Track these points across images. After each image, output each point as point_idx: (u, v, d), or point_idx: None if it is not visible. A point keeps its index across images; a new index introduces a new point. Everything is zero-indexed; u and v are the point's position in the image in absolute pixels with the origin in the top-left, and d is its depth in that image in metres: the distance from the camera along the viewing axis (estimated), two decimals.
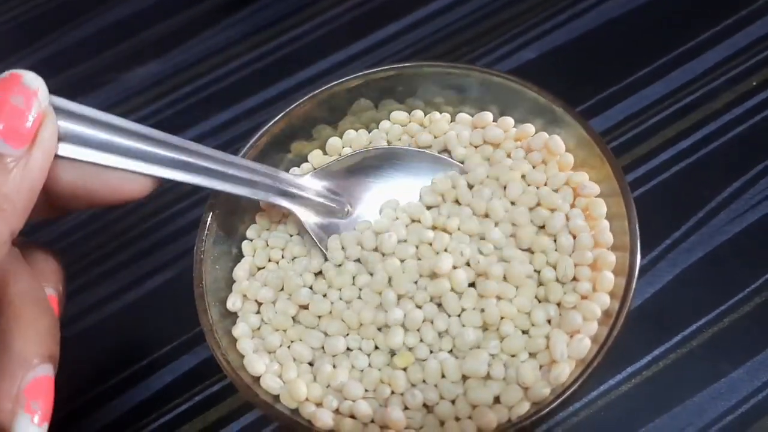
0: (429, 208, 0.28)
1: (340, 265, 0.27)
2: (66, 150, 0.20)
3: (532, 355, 0.24)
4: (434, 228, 0.27)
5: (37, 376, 0.19)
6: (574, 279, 0.25)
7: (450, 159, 0.29)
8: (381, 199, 0.28)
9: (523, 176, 0.28)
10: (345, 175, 0.29)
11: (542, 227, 0.26)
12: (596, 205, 0.26)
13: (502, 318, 0.25)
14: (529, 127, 0.28)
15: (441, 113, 0.30)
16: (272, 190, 0.26)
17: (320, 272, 0.27)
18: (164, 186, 0.23)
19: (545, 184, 0.27)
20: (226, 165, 0.24)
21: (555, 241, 0.26)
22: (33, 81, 0.18)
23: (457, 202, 0.28)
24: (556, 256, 0.25)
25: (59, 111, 0.19)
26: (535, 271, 0.26)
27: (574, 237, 0.26)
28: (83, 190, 0.21)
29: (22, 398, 0.19)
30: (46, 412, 0.19)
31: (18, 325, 0.19)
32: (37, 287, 0.21)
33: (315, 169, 0.28)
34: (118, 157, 0.21)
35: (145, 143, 0.22)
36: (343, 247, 0.27)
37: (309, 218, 0.27)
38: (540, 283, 0.25)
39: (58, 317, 0.22)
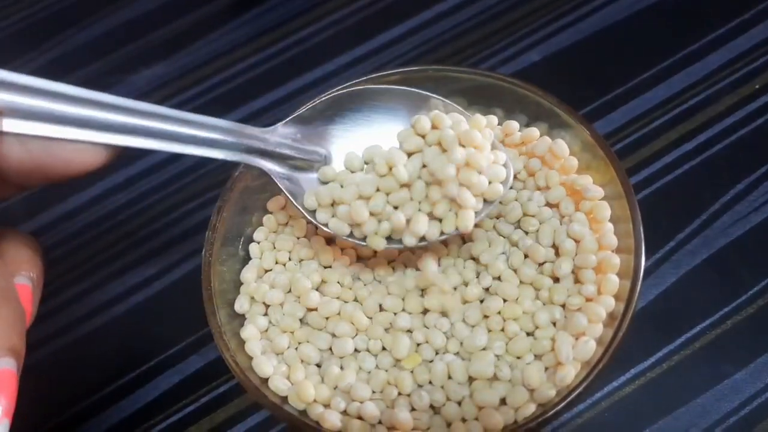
0: (410, 154, 0.25)
1: (325, 225, 0.26)
2: (8, 125, 0.18)
3: (537, 357, 0.24)
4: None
5: None
6: (579, 282, 0.25)
7: (436, 96, 0.27)
8: (362, 145, 0.27)
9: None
10: (319, 122, 0.26)
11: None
12: (600, 208, 0.26)
13: (505, 319, 0.25)
14: (534, 131, 0.29)
15: None
16: (238, 148, 0.24)
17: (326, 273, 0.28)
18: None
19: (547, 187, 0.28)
20: (183, 124, 0.22)
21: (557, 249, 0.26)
22: None
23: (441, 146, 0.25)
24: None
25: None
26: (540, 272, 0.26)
27: (577, 241, 0.26)
28: (34, 165, 0.19)
29: None
30: (8, 408, 0.18)
31: None
32: (2, 276, 0.20)
33: (285, 120, 0.26)
34: (65, 128, 0.19)
35: (94, 109, 0.20)
36: (319, 204, 0.26)
37: (282, 174, 0.25)
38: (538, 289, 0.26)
39: (28, 309, 0.20)
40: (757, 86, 0.36)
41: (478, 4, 0.42)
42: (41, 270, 0.22)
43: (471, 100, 0.30)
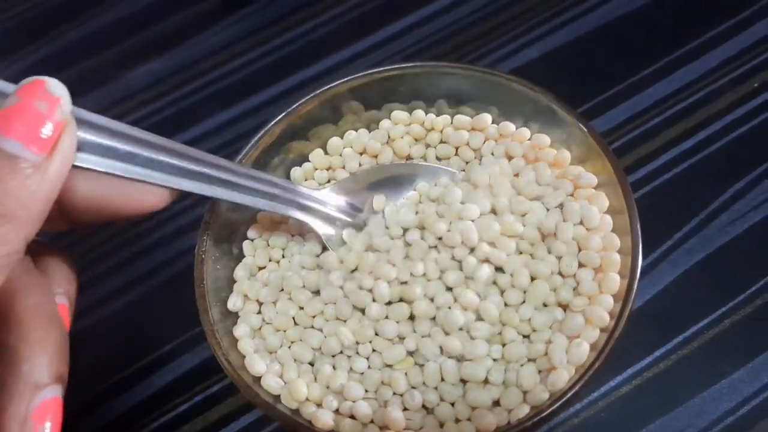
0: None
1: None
2: (84, 160, 0.19)
3: (531, 360, 0.24)
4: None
5: (45, 398, 0.19)
6: (577, 286, 0.25)
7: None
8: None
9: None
10: (363, 190, 0.28)
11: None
12: (597, 197, 0.26)
13: (504, 324, 0.25)
14: (524, 131, 0.29)
15: (442, 114, 0.30)
16: (291, 204, 0.26)
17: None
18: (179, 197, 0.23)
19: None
20: (245, 178, 0.24)
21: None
22: (56, 88, 0.18)
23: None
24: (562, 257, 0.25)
25: (79, 121, 0.19)
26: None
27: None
28: (98, 201, 0.21)
29: (29, 423, 0.18)
30: None
31: (26, 345, 0.19)
32: (48, 300, 0.21)
33: (330, 182, 0.29)
34: (137, 168, 0.20)
35: (165, 155, 0.21)
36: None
37: (327, 231, 0.27)
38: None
39: (68, 330, 0.21)
40: (756, 84, 0.36)
41: (475, 1, 0.42)
42: (76, 283, 0.23)
43: (467, 96, 0.30)
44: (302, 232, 0.29)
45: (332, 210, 0.27)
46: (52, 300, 0.21)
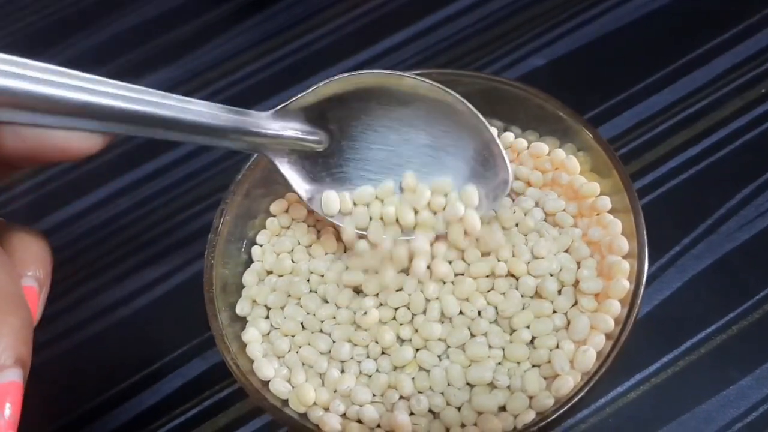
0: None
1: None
2: (2, 115, 0.18)
3: (536, 365, 0.24)
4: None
5: (2, 381, 0.18)
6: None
7: (455, 95, 0.26)
8: (368, 129, 0.26)
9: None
10: (321, 106, 0.25)
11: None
12: (600, 201, 0.26)
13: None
14: (522, 142, 0.29)
15: None
16: (240, 134, 0.23)
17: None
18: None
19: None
20: (182, 111, 0.21)
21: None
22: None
23: None
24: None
25: None
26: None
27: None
28: (28, 151, 0.19)
29: None
30: (14, 420, 0.18)
31: None
32: (9, 281, 0.19)
33: (284, 104, 0.25)
34: (58, 117, 0.18)
35: (88, 95, 0.19)
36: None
37: (283, 161, 0.25)
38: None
39: (33, 311, 0.20)
40: (763, 90, 0.36)
41: (480, 9, 0.42)
42: (49, 266, 0.21)
43: (473, 104, 0.30)
44: (312, 240, 0.29)
45: (289, 132, 0.25)
46: (16, 281, 0.19)
